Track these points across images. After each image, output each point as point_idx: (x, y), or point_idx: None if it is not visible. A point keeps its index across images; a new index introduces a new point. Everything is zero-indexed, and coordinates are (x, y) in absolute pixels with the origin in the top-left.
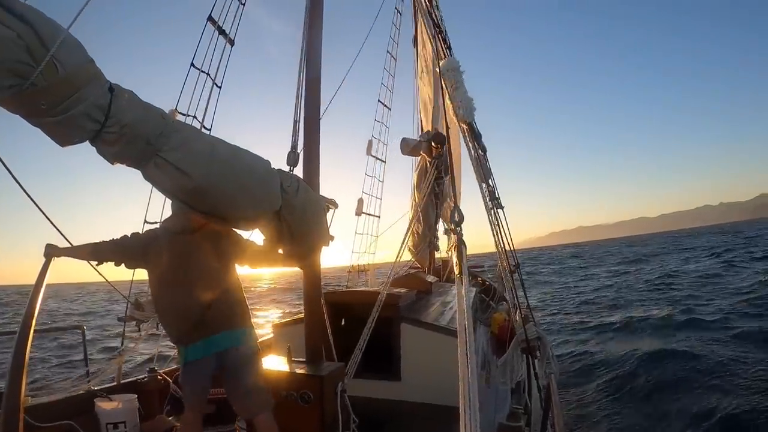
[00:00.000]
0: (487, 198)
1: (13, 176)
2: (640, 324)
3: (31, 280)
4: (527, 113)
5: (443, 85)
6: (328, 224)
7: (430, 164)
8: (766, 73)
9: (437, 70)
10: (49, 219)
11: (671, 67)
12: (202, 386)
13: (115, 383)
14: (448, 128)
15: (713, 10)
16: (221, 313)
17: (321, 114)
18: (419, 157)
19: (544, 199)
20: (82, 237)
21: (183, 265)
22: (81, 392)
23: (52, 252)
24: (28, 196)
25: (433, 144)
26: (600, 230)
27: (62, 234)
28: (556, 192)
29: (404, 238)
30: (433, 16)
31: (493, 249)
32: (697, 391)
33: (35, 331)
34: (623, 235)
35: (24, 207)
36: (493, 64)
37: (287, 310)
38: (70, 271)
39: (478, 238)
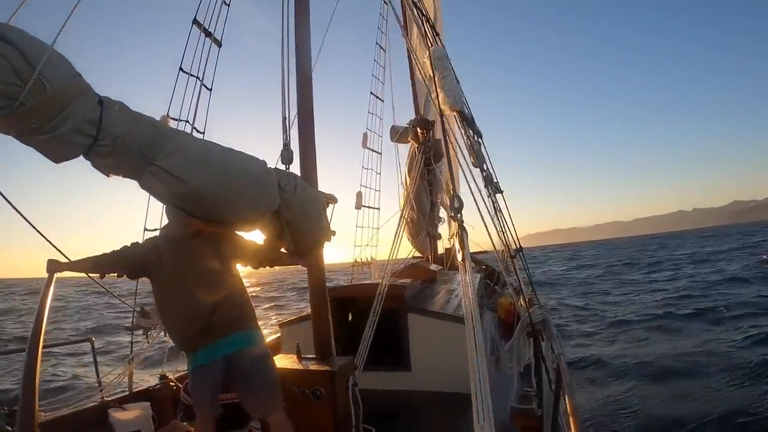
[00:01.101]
0: (482, 183)
1: (3, 195)
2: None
3: (14, 274)
4: (505, 113)
5: (432, 74)
6: (329, 220)
7: (417, 150)
8: (740, 82)
9: (426, 60)
10: (42, 234)
11: (648, 71)
12: (211, 392)
13: (127, 392)
14: (442, 115)
15: (695, 8)
16: (226, 316)
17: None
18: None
19: (519, 201)
20: (82, 247)
21: (184, 271)
22: (94, 404)
23: (54, 267)
24: (21, 215)
25: (419, 129)
26: (576, 233)
27: (57, 248)
28: (533, 194)
29: (398, 225)
30: (420, 5)
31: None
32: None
33: (45, 346)
34: (599, 238)
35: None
36: (473, 62)
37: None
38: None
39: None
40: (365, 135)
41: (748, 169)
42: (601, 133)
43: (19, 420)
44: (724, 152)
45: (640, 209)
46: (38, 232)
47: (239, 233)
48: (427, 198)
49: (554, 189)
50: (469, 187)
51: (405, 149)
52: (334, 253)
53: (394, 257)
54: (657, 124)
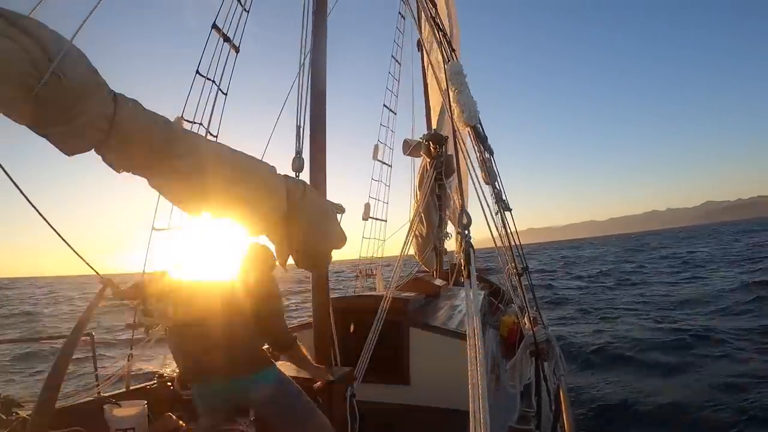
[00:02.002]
0: (493, 200)
1: (23, 194)
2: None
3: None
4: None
5: (447, 89)
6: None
7: (429, 165)
8: (714, 83)
9: (441, 74)
10: (62, 238)
11: (622, 72)
12: (226, 412)
13: (124, 389)
14: (454, 130)
15: (667, 8)
16: (239, 356)
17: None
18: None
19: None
20: (89, 244)
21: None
22: (90, 399)
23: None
24: (40, 215)
25: (431, 145)
26: (551, 232)
27: (76, 252)
28: (508, 193)
29: (406, 239)
30: (438, 20)
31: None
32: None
33: (46, 338)
34: (573, 237)
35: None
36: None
37: None
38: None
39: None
40: (376, 147)
41: (721, 170)
42: (576, 134)
43: (36, 408)
44: (698, 153)
45: (614, 209)
46: (74, 251)
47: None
48: (436, 213)
49: (528, 188)
50: (480, 204)
51: (419, 162)
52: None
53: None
54: (632, 125)
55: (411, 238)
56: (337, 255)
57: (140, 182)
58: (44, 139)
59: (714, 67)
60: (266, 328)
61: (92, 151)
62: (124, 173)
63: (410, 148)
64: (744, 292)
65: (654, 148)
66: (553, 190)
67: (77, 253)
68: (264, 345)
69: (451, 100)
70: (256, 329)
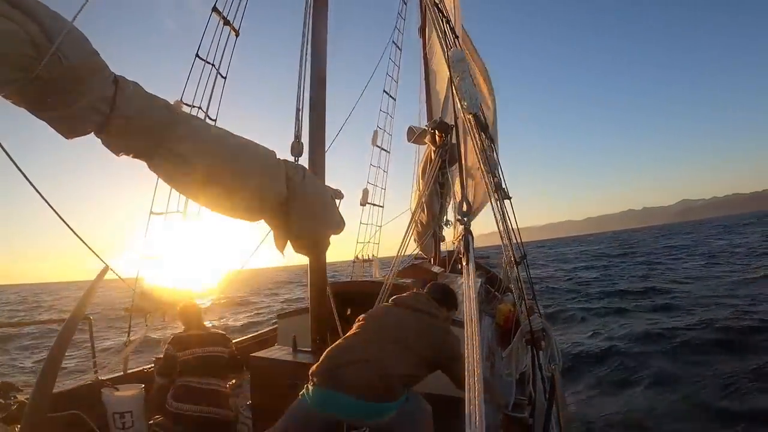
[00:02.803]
0: (492, 189)
1: (37, 191)
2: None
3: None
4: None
5: (450, 76)
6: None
7: (434, 153)
8: (689, 81)
9: (444, 61)
10: (76, 234)
11: (599, 71)
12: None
13: (121, 373)
14: (456, 118)
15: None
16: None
17: (327, 146)
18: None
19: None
20: (88, 229)
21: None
22: (88, 382)
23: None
24: (52, 208)
25: (436, 133)
26: (529, 232)
27: (81, 239)
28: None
29: (408, 228)
30: (440, 6)
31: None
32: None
33: (41, 322)
34: (552, 236)
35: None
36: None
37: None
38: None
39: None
40: (375, 133)
41: (697, 169)
42: (553, 134)
43: (34, 393)
44: (674, 152)
45: (591, 208)
46: (79, 237)
47: None
48: (438, 200)
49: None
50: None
51: (421, 149)
52: (335, 251)
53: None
54: (608, 124)
55: (413, 226)
56: (332, 257)
57: (138, 165)
58: (33, 124)
59: (688, 66)
60: None
61: (88, 138)
62: (123, 156)
63: (415, 136)
64: None
65: (630, 147)
66: (531, 191)
67: (81, 239)
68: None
69: (453, 88)
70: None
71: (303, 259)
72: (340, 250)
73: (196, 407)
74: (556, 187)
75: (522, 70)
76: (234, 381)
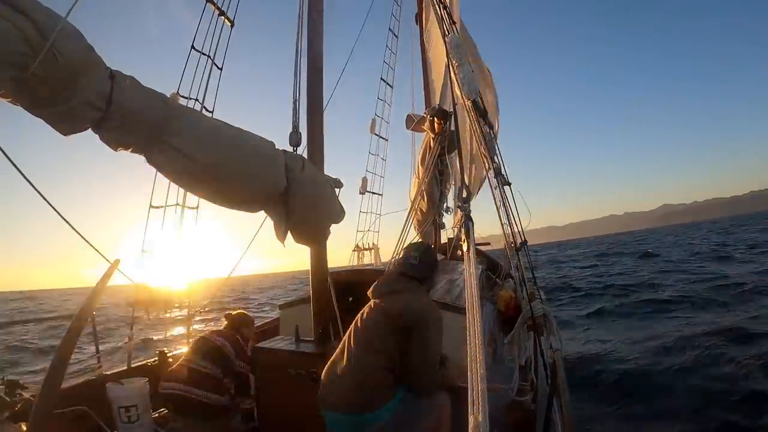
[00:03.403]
0: (492, 175)
1: (38, 191)
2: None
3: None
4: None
5: (449, 62)
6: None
7: (433, 140)
8: (671, 86)
9: (442, 48)
10: (77, 231)
11: (580, 77)
12: None
13: (125, 367)
14: (455, 104)
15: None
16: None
17: (324, 105)
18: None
19: None
20: (87, 224)
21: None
22: (93, 378)
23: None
24: (54, 208)
25: (435, 119)
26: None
27: (82, 236)
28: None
29: (408, 215)
30: None
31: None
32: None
33: (46, 319)
34: (534, 242)
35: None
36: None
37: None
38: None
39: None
40: (373, 121)
41: (678, 174)
42: (533, 141)
43: (42, 389)
44: (655, 158)
45: (572, 214)
46: (80, 235)
47: None
48: (438, 188)
49: (488, 195)
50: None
51: (420, 137)
52: (335, 241)
53: (402, 244)
54: (590, 131)
55: (413, 214)
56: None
57: (137, 160)
58: (29, 121)
59: (667, 74)
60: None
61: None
62: (121, 151)
63: (414, 123)
64: None
65: (611, 153)
66: (491, 206)
67: (83, 237)
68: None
69: (452, 73)
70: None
71: (288, 266)
72: (339, 240)
73: (182, 386)
74: (537, 194)
75: (502, 77)
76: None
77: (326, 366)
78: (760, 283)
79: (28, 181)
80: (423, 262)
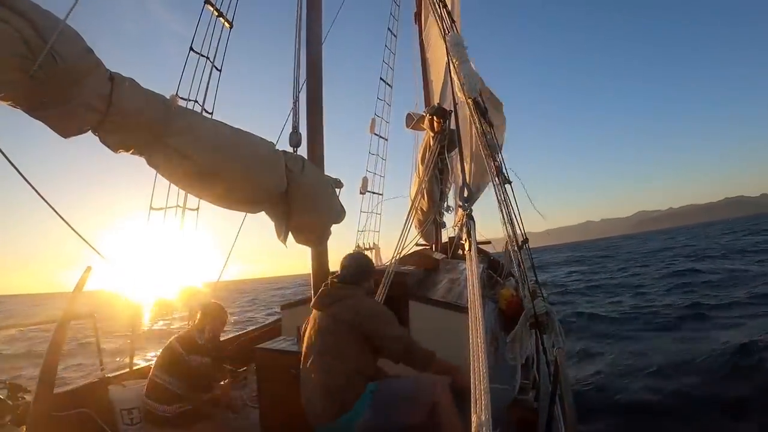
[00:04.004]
0: (494, 173)
1: (40, 195)
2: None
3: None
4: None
5: (449, 61)
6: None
7: (433, 139)
8: (645, 93)
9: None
10: (68, 223)
11: (554, 82)
12: None
13: (127, 369)
14: (455, 103)
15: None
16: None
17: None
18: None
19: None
20: (87, 227)
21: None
22: (95, 380)
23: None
24: (57, 212)
25: (435, 118)
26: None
27: (77, 232)
28: None
29: (408, 215)
30: None
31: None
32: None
33: (48, 322)
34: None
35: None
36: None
37: None
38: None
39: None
40: (373, 120)
41: (653, 180)
42: (510, 147)
43: (37, 392)
44: (631, 165)
45: (548, 221)
46: (76, 232)
47: None
48: (438, 187)
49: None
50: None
51: (421, 136)
52: (335, 244)
53: (402, 245)
54: (566, 138)
55: (414, 213)
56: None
57: (136, 161)
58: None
59: (643, 79)
60: None
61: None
62: (121, 152)
63: (413, 122)
64: None
65: (588, 160)
66: (487, 204)
67: (80, 235)
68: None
69: (453, 72)
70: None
71: (265, 272)
72: (340, 241)
73: (147, 400)
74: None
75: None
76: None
77: (301, 384)
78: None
79: (18, 171)
80: (354, 267)
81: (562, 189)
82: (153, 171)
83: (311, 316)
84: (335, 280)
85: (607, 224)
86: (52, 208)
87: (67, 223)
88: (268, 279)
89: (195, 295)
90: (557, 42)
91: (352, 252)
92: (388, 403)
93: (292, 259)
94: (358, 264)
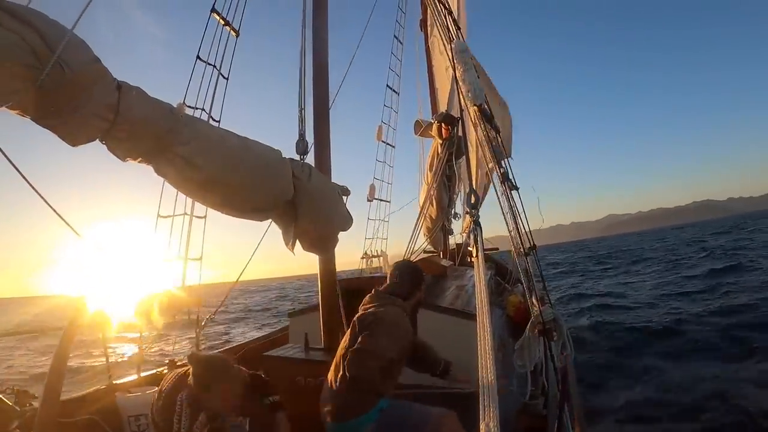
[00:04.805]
0: (499, 180)
1: (44, 200)
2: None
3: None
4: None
5: (454, 68)
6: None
7: (441, 146)
8: (613, 97)
9: (449, 53)
10: (58, 214)
11: (523, 87)
12: None
13: (135, 376)
14: (462, 110)
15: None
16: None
17: (330, 103)
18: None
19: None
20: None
21: None
22: (102, 387)
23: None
24: (63, 219)
25: (443, 125)
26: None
27: (73, 229)
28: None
29: (417, 222)
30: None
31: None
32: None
33: (56, 329)
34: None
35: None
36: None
37: None
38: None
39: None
40: (380, 128)
41: (622, 185)
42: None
43: (43, 399)
44: (601, 170)
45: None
46: (73, 230)
47: None
48: (446, 194)
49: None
50: (493, 184)
51: (429, 143)
52: (343, 248)
53: (410, 251)
54: (536, 142)
55: (422, 220)
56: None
57: (144, 169)
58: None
59: (614, 83)
60: None
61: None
62: (129, 161)
63: (422, 129)
64: None
65: (558, 163)
66: (497, 207)
67: (53, 209)
68: None
69: (458, 79)
70: None
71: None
72: (347, 248)
73: None
74: (486, 204)
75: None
76: None
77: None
78: None
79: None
80: (403, 279)
81: (531, 193)
82: (160, 179)
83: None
84: (383, 289)
85: (578, 228)
86: (22, 175)
87: (43, 199)
88: (247, 282)
89: (174, 302)
90: (517, 45)
91: (400, 261)
92: (392, 426)
93: (275, 264)
94: (404, 274)
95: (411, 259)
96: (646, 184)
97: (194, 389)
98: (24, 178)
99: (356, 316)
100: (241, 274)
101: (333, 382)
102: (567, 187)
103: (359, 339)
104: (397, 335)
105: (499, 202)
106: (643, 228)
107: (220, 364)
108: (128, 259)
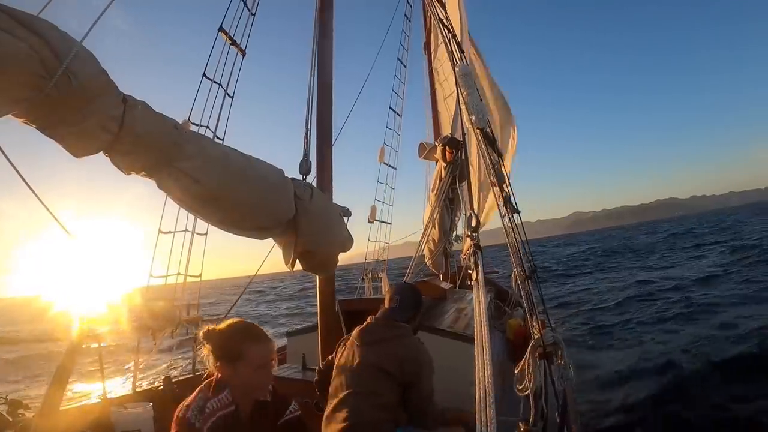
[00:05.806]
0: (501, 203)
1: (42, 202)
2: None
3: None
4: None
5: (458, 91)
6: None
7: (444, 169)
8: (579, 98)
9: (450, 77)
10: (48, 210)
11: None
12: None
13: (130, 392)
14: (464, 134)
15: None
16: None
17: (333, 141)
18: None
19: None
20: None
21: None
22: (96, 401)
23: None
24: (64, 228)
25: (447, 148)
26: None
27: (65, 229)
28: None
29: (420, 244)
30: (447, 23)
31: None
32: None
33: (51, 341)
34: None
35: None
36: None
37: None
38: None
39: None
40: (382, 149)
41: (587, 183)
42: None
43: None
44: (565, 168)
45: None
46: (66, 230)
47: None
48: (449, 217)
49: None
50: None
51: (434, 166)
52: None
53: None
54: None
55: (425, 243)
56: (344, 258)
57: (146, 184)
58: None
59: (576, 84)
60: None
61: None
62: (132, 174)
63: (425, 152)
64: None
65: (522, 161)
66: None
67: (42, 202)
68: None
69: (461, 103)
70: None
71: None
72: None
73: None
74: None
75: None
76: None
77: (324, 417)
78: None
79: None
80: (404, 303)
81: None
82: (162, 194)
83: (347, 344)
84: (383, 314)
85: (543, 225)
86: (21, 176)
87: (32, 191)
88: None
89: (169, 315)
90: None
91: (402, 282)
92: None
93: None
94: (404, 297)
95: (410, 282)
96: (611, 183)
97: (222, 372)
98: (24, 179)
99: (364, 346)
100: (241, 292)
101: (346, 419)
102: (531, 184)
103: (413, 388)
104: (432, 368)
105: (503, 224)
106: (609, 225)
107: (242, 323)
108: (121, 269)
